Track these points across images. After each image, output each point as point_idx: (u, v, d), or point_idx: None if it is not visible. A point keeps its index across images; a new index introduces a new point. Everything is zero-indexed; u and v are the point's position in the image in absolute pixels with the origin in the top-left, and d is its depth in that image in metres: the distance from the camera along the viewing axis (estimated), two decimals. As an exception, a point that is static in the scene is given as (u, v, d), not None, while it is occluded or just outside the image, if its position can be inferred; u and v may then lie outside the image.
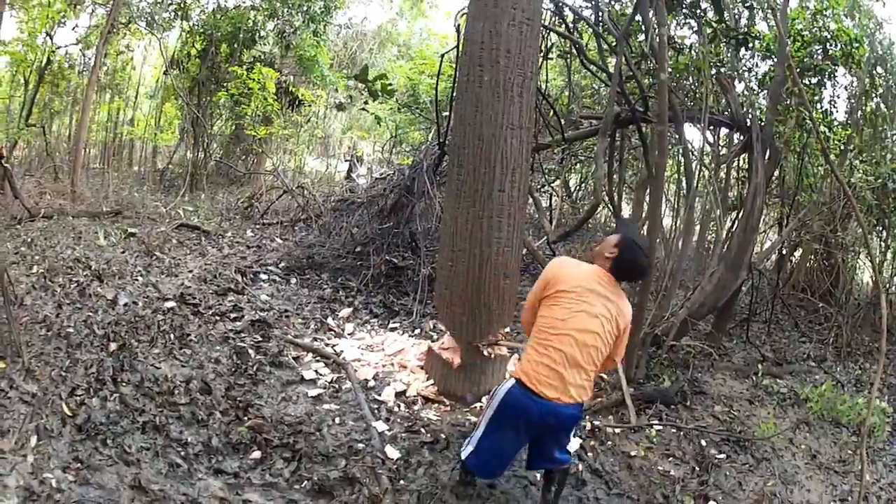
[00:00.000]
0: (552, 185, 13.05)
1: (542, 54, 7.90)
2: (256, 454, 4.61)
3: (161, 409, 4.94)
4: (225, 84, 17.03)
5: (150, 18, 17.06)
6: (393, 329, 8.09)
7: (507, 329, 6.19)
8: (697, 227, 12.05)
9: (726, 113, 8.41)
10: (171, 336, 6.50)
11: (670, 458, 5.58)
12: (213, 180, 17.95)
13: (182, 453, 4.43)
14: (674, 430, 6.03)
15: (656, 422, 6.14)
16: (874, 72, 10.90)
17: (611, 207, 8.57)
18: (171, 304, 7.38)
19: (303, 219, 13.40)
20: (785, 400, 7.29)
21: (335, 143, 25.17)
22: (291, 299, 8.68)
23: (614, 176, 8.61)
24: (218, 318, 7.37)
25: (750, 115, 8.10)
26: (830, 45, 7.77)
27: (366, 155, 23.26)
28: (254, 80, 16.25)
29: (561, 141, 8.50)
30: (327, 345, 7.20)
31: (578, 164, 16.10)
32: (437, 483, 4.56)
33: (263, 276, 9.46)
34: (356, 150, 22.31)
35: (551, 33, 8.60)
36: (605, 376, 6.75)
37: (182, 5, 16.88)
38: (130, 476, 4.00)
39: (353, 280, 9.52)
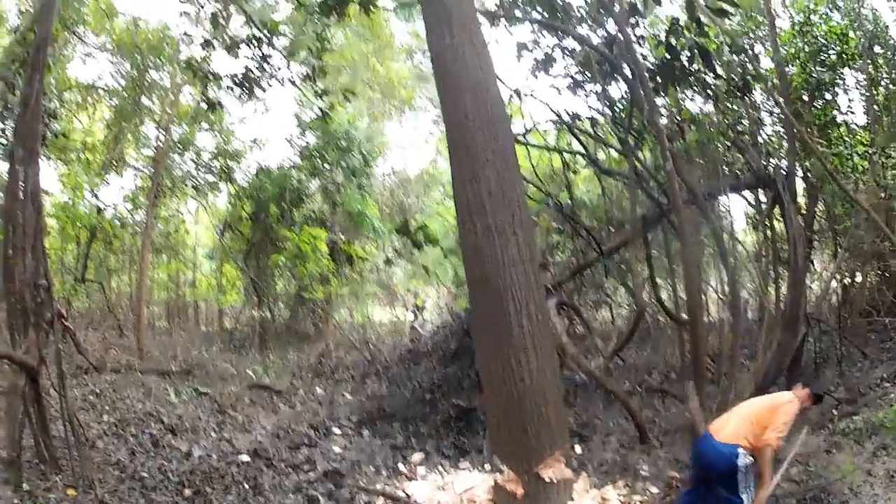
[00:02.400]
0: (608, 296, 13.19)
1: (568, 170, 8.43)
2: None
3: None
4: (280, 244, 18.19)
5: (195, 182, 18.51)
6: (463, 468, 8.29)
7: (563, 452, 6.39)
8: (746, 296, 11.92)
9: (748, 174, 8.64)
10: (245, 486, 6.95)
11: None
12: (282, 339, 18.75)
13: None
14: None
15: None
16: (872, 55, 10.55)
17: (661, 309, 8.73)
18: (244, 457, 7.89)
19: (372, 372, 13.86)
20: (862, 434, 7.09)
21: (400, 292, 25.73)
22: (364, 449, 9.02)
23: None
24: (291, 469, 7.80)
25: (772, 168, 8.31)
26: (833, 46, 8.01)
27: (429, 301, 23.77)
28: (305, 242, 17.19)
29: (600, 257, 8.88)
30: (398, 489, 7.44)
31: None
32: None
33: (336, 430, 9.89)
34: (416, 299, 22.85)
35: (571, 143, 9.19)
36: (675, 473, 6.79)
37: (225, 169, 18.28)
38: None
39: (424, 426, 9.83)
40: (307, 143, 19.76)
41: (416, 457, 8.71)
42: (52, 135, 14.42)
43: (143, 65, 16.41)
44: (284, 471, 7.69)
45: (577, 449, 7.78)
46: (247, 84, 10.01)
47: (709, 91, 8.46)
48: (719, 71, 8.42)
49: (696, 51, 7.83)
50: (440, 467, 8.35)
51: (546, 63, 9.13)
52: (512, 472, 6.26)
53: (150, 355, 13.72)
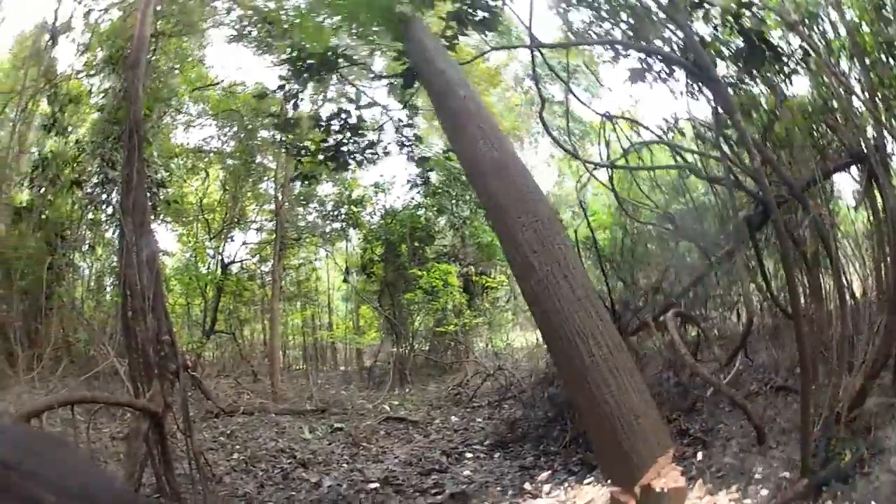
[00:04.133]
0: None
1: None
2: None
3: None
4: (413, 283, 18.91)
5: (321, 231, 19.49)
6: (588, 483, 8.44)
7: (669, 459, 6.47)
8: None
9: (843, 153, 8.28)
10: (373, 513, 7.42)
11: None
12: (421, 372, 19.50)
13: None
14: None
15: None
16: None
17: (777, 306, 8.53)
18: (374, 485, 8.46)
19: (508, 397, 14.16)
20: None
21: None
22: (493, 472, 9.39)
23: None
24: (419, 494, 8.31)
25: (863, 143, 7.94)
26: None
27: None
28: (436, 278, 17.79)
29: (711, 266, 8.83)
30: (521, 507, 7.72)
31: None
32: None
33: (469, 455, 10.32)
34: None
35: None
36: (786, 473, 6.67)
37: (350, 215, 19.19)
38: None
39: (554, 444, 10.02)
40: (429, 181, 20.49)
41: (543, 475, 8.94)
42: (164, 202, 15.75)
43: (252, 126, 17.59)
44: (412, 496, 8.20)
45: (699, 456, 7.80)
46: (341, 158, 10.46)
47: (798, 65, 8.28)
48: (801, 44, 8.28)
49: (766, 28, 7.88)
50: (566, 484, 8.55)
51: (635, 76, 9.24)
52: (616, 485, 6.49)
53: (285, 397, 14.72)
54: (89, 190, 15.16)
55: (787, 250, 6.84)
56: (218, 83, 18.01)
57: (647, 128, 9.70)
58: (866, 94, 8.11)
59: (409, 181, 20.27)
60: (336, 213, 20.08)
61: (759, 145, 6.90)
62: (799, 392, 7.48)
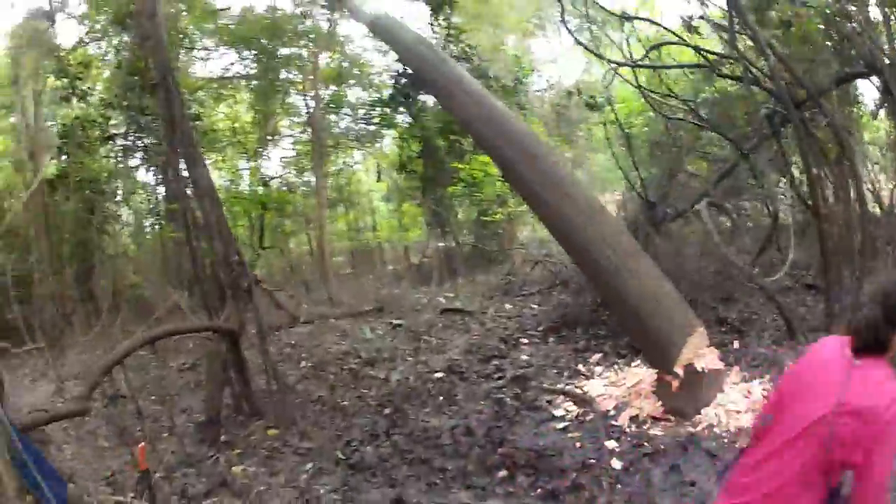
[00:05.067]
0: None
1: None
2: (503, 473, 5.87)
3: (427, 449, 6.49)
4: (454, 176, 19.14)
5: (356, 135, 19.68)
6: (636, 365, 8.94)
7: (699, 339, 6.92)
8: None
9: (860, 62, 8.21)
10: (440, 398, 8.18)
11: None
12: (469, 264, 20.08)
13: (441, 476, 5.87)
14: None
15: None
16: None
17: (803, 204, 8.66)
18: (439, 374, 9.12)
19: (556, 284, 14.61)
20: None
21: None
22: (549, 355, 9.89)
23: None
24: (482, 379, 8.93)
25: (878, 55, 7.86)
26: None
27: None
28: (476, 169, 18.00)
29: (742, 157, 8.97)
30: (577, 387, 8.26)
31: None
32: (647, 484, 5.45)
33: (524, 341, 10.84)
34: None
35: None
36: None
37: (383, 116, 19.36)
38: (393, 494, 5.52)
39: (604, 329, 10.49)
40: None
41: (595, 357, 9.46)
42: (201, 134, 16.07)
43: (272, 46, 17.66)
44: (476, 381, 8.81)
45: (735, 344, 8.25)
46: None
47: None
48: None
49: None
50: (616, 366, 9.06)
51: None
52: (653, 367, 7.06)
53: (342, 302, 15.40)
54: (120, 143, 15.77)
55: (805, 147, 6.95)
56: (227, 8, 17.96)
57: (665, 28, 9.71)
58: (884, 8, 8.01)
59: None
60: (370, 115, 20.26)
61: (772, 46, 6.91)
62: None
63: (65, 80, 14.39)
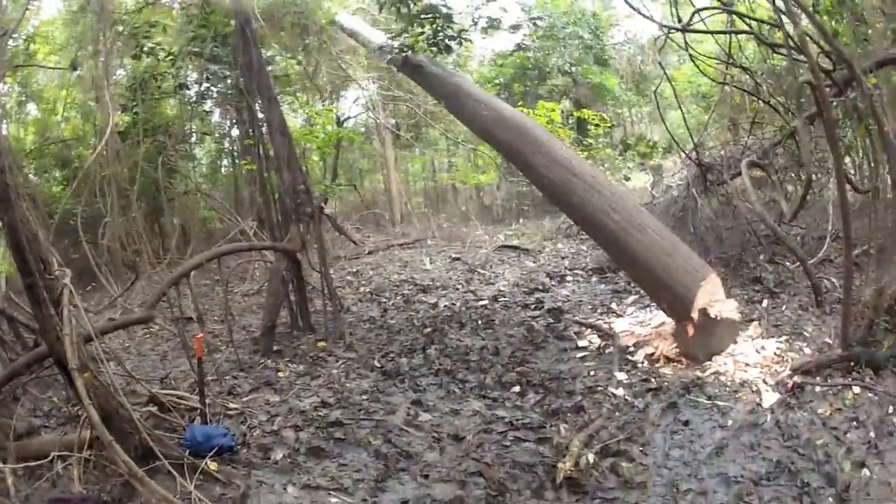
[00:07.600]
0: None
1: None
2: (516, 389, 6.64)
3: (455, 363, 7.33)
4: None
5: None
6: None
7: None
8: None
9: None
10: (479, 322, 8.96)
11: (853, 422, 5.58)
12: (538, 209, 20.52)
13: (460, 387, 6.71)
14: (869, 395, 5.91)
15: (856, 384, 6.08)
16: None
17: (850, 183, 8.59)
18: (483, 302, 9.87)
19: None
20: None
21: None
22: (588, 293, 10.48)
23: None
24: (521, 308, 9.64)
25: None
26: None
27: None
28: (541, 115, 18.30)
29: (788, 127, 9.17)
30: (606, 323, 8.88)
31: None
32: (644, 415, 5.97)
33: (569, 278, 11.44)
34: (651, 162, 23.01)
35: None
36: (829, 340, 7.10)
37: (457, 63, 19.70)
38: (414, 397, 6.42)
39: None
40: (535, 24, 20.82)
41: (630, 299, 9.98)
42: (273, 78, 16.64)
43: None
44: (515, 310, 9.51)
45: (764, 303, 8.49)
46: (441, 44, 11.15)
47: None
48: None
49: None
50: (648, 309, 9.56)
51: None
52: (673, 317, 7.59)
53: (409, 236, 16.22)
54: (193, 91, 16.57)
55: (829, 120, 6.98)
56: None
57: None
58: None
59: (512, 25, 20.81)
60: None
61: (814, 17, 7.01)
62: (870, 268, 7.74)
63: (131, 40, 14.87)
